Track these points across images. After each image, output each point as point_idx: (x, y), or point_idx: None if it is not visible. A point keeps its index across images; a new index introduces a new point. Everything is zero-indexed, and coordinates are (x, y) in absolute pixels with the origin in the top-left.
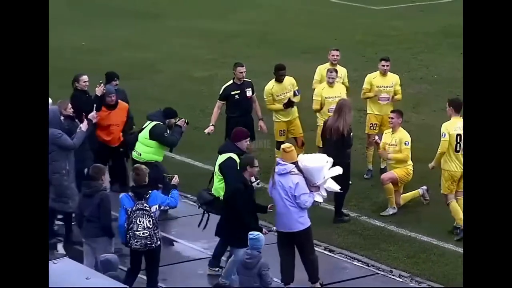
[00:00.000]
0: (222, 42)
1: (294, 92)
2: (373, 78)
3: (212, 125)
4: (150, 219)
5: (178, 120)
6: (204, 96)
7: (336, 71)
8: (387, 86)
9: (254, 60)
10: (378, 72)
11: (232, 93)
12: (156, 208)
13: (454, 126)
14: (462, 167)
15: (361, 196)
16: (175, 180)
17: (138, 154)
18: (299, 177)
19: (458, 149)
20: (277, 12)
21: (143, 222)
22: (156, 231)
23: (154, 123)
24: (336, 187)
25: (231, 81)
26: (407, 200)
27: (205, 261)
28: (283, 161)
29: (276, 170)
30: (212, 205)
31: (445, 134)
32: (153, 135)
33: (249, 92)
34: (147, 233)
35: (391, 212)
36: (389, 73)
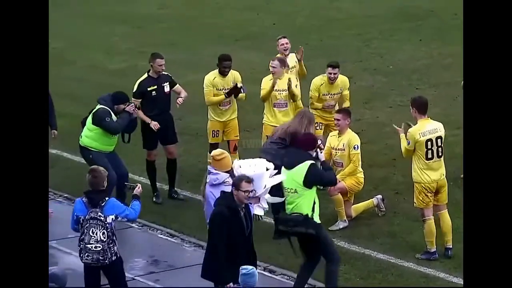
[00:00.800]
0: (140, 28)
1: (240, 89)
2: (320, 85)
3: (150, 121)
4: (105, 231)
5: (127, 106)
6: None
7: (281, 60)
8: (334, 94)
9: (179, 48)
10: (326, 77)
11: (149, 89)
12: (112, 218)
13: (422, 130)
14: (440, 176)
15: None
16: (138, 189)
17: (80, 136)
18: None
19: (430, 156)
20: None
21: (96, 234)
22: (111, 245)
23: (99, 106)
24: (279, 197)
25: (145, 75)
26: (360, 212)
27: (133, 283)
28: (214, 169)
29: (207, 180)
30: (305, 224)
31: (409, 142)
32: (94, 119)
33: (167, 87)
34: (99, 247)
35: (341, 226)
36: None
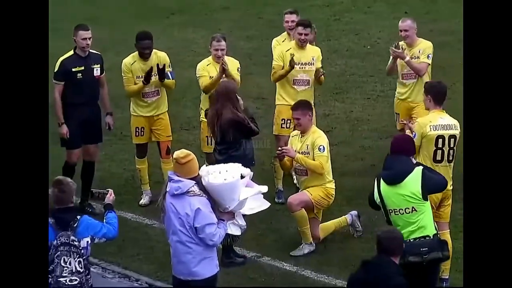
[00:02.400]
0: None
1: (166, 74)
2: (286, 51)
3: (63, 122)
4: (81, 259)
5: None
6: None
7: (224, 39)
8: (306, 64)
9: (98, 25)
10: (293, 42)
11: (74, 69)
12: (87, 241)
13: (434, 123)
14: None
15: (262, 227)
16: (110, 196)
17: None
18: (201, 199)
19: (439, 158)
20: None
21: (70, 264)
22: (88, 276)
23: None
24: (261, 208)
25: (71, 52)
26: (330, 232)
27: None
28: (177, 175)
29: (167, 189)
30: (441, 247)
31: (415, 134)
32: None
33: (97, 70)
34: (76, 280)
35: (306, 251)
36: (308, 45)
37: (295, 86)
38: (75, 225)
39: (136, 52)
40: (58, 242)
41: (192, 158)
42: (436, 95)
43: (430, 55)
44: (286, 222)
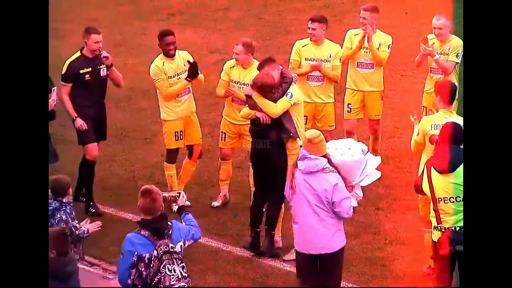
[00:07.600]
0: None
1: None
2: (303, 47)
3: (76, 116)
4: (183, 264)
5: None
6: None
7: (247, 44)
8: (321, 60)
9: (97, 25)
10: (309, 38)
11: (81, 71)
12: (181, 246)
13: (436, 122)
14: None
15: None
16: (183, 198)
17: None
18: (336, 175)
19: None
20: None
21: (174, 271)
22: (190, 282)
23: None
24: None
25: (78, 54)
26: None
27: None
28: (310, 154)
29: (301, 167)
30: None
31: (418, 132)
32: None
33: (103, 71)
34: (184, 286)
35: None
36: (326, 41)
37: (309, 82)
38: (169, 232)
39: (161, 54)
40: (160, 252)
41: (323, 138)
42: (445, 95)
43: (459, 54)
44: (287, 221)
